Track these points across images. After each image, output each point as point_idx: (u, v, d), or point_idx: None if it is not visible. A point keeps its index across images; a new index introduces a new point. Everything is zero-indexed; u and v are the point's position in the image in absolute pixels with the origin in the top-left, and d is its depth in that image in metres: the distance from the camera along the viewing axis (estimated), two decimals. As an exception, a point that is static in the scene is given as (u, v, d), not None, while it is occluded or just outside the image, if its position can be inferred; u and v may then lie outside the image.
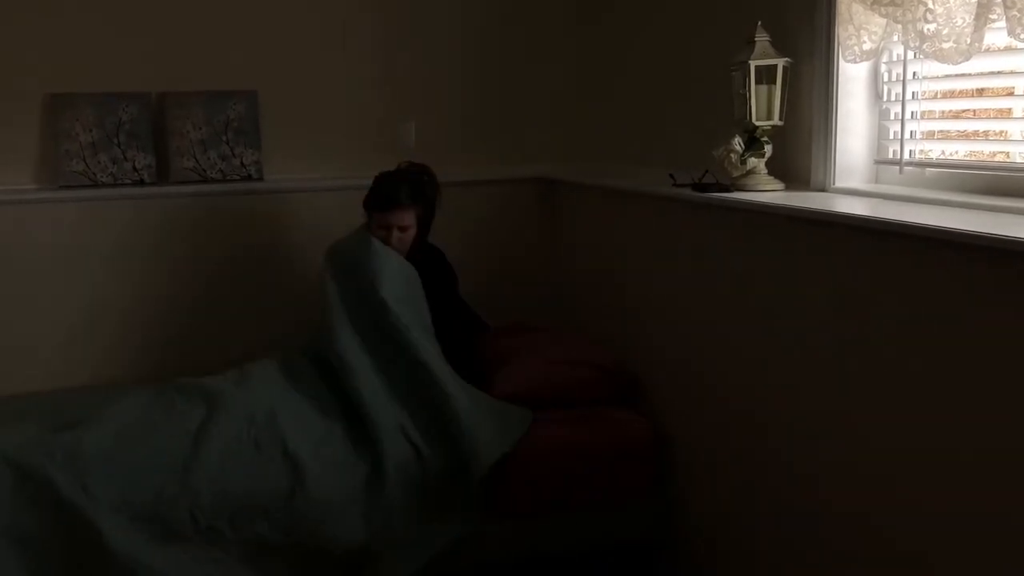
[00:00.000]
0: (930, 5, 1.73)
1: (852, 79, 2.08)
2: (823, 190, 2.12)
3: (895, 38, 1.90)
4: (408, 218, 2.68)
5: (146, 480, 2.20)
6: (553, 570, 2.69)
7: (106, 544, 2.12)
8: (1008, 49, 1.75)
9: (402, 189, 2.69)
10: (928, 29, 1.74)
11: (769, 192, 2.15)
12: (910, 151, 2.03)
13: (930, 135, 2.00)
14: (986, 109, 1.94)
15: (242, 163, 3.15)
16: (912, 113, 2.01)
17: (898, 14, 1.80)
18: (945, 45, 1.71)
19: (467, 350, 2.80)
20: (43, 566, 2.13)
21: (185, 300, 3.16)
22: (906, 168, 2.01)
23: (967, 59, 1.69)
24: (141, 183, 3.07)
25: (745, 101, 2.16)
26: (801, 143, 2.19)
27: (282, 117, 3.18)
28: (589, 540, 2.62)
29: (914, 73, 1.99)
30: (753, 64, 2.14)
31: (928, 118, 2.00)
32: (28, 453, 2.18)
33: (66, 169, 3.00)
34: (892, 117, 2.08)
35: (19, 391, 2.93)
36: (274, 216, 3.20)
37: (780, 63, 2.14)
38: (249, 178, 3.16)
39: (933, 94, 1.98)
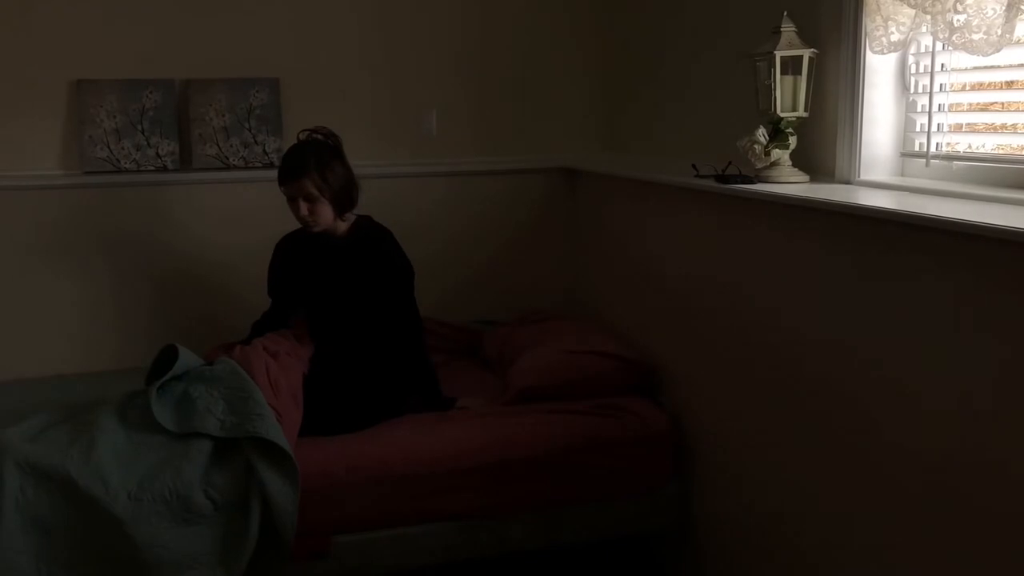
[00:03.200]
0: (960, -4, 1.70)
1: (879, 71, 2.06)
2: (848, 182, 2.10)
3: (923, 29, 1.87)
4: (307, 186, 2.55)
5: (163, 471, 2.22)
6: (570, 560, 2.70)
7: (127, 533, 2.15)
8: (1039, 41, 1.73)
9: (295, 157, 2.59)
10: (958, 20, 1.71)
11: (793, 184, 2.13)
12: (937, 144, 2.00)
13: (958, 128, 1.98)
14: (1015, 102, 1.91)
15: (264, 150, 3.16)
16: (939, 105, 1.99)
17: (927, 5, 1.78)
18: (975, 36, 1.68)
19: (415, 355, 2.72)
20: (71, 556, 2.17)
21: (207, 286, 3.18)
22: (932, 161, 1.99)
23: (997, 51, 1.66)
24: (164, 169, 3.09)
25: (770, 92, 2.14)
26: (826, 135, 2.17)
27: (304, 104, 3.19)
28: (606, 530, 2.61)
29: (942, 65, 1.96)
30: (779, 55, 2.11)
31: (956, 110, 1.97)
32: (45, 452, 2.21)
33: (90, 155, 3.02)
34: (919, 109, 2.05)
35: (40, 374, 2.98)
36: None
37: (806, 54, 2.12)
38: (271, 165, 3.17)
39: (961, 86, 1.95)
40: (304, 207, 2.59)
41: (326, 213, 2.61)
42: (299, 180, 2.57)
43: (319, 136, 2.66)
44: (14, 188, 2.98)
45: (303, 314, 2.80)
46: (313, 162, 2.57)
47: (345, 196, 2.64)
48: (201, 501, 2.20)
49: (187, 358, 2.47)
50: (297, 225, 2.69)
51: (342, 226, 2.69)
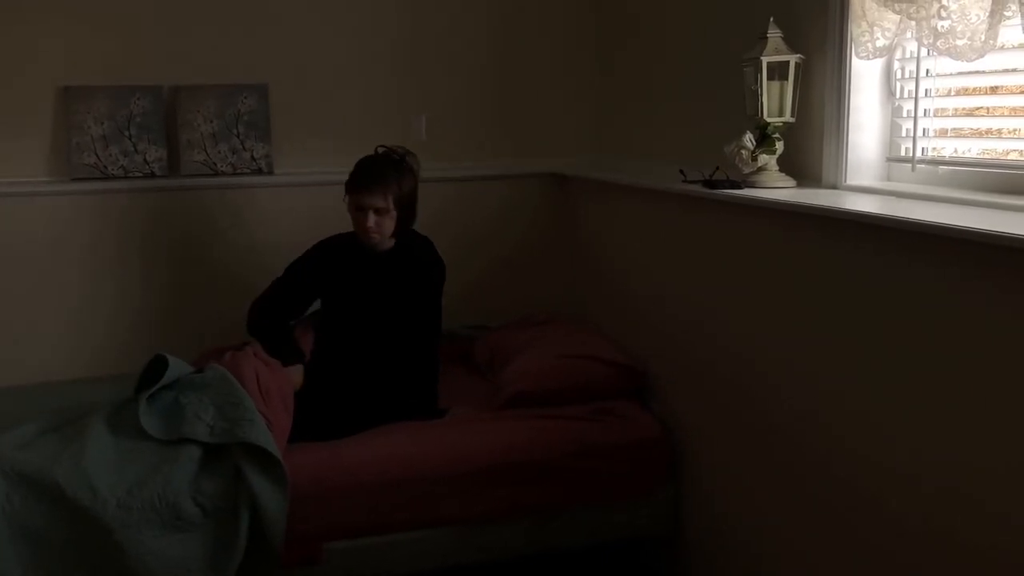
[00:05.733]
0: (944, 2, 1.71)
1: (865, 76, 2.07)
2: (835, 187, 2.11)
3: (908, 35, 1.89)
4: (382, 199, 2.61)
5: (153, 478, 2.21)
6: (562, 565, 2.70)
7: (116, 540, 2.14)
8: (1023, 46, 1.74)
9: (376, 170, 2.64)
10: (942, 26, 1.73)
11: (780, 189, 2.14)
12: (923, 148, 2.02)
13: (943, 133, 1.99)
14: (1000, 107, 1.92)
15: (252, 156, 3.16)
16: (925, 110, 2.00)
17: (912, 10, 1.79)
18: (959, 42, 1.70)
19: (431, 355, 2.77)
20: (60, 565, 2.16)
21: (194, 293, 3.17)
22: (919, 166, 2.00)
23: (981, 56, 1.67)
24: (152, 176, 3.08)
25: (757, 97, 2.15)
26: (813, 140, 2.18)
27: (293, 111, 3.19)
28: (598, 535, 2.62)
29: (927, 70, 1.98)
30: (765, 60, 2.12)
31: (941, 115, 1.99)
32: (33, 460, 2.21)
33: (77, 161, 3.01)
34: (905, 114, 2.07)
35: (27, 381, 2.96)
36: (284, 210, 3.21)
37: (792, 59, 2.13)
38: (259, 171, 3.16)
39: (946, 91, 1.97)
40: (373, 219, 2.62)
41: (390, 227, 2.66)
42: (377, 193, 2.61)
43: (396, 155, 2.71)
44: (0, 195, 2.97)
45: (317, 316, 2.81)
46: (394, 177, 2.63)
47: (410, 215, 2.71)
48: (190, 508, 2.20)
49: (177, 367, 2.46)
50: (339, 231, 2.75)
51: (391, 239, 2.73)
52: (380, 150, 2.72)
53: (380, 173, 2.63)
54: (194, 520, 2.20)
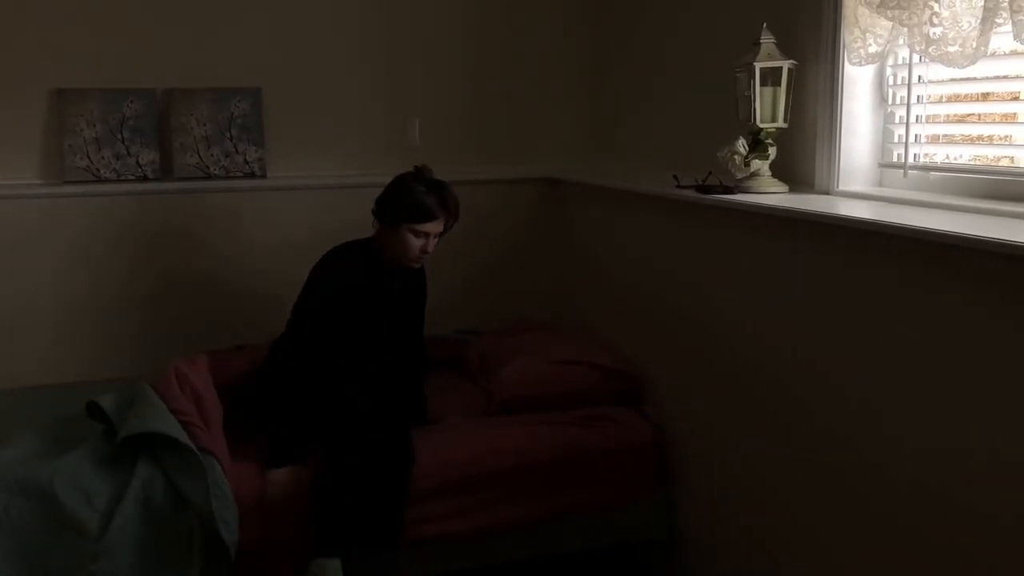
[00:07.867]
0: (936, 9, 1.72)
1: (857, 82, 2.08)
2: (827, 193, 2.11)
3: (901, 41, 1.90)
4: (444, 225, 2.60)
5: (136, 486, 2.20)
6: (555, 571, 2.69)
7: (106, 547, 2.13)
8: (1014, 53, 1.75)
9: (441, 197, 2.58)
10: (934, 33, 1.73)
11: (773, 194, 2.14)
12: (915, 155, 2.02)
13: (935, 139, 2.00)
14: (991, 113, 1.93)
15: (245, 160, 3.15)
16: (917, 117, 2.00)
17: (904, 17, 1.79)
18: (951, 49, 1.71)
19: (419, 369, 2.79)
20: None
21: (187, 296, 3.17)
22: (910, 172, 2.00)
23: (973, 63, 1.68)
24: (144, 179, 3.07)
25: (750, 103, 2.16)
26: (806, 145, 2.18)
27: (286, 114, 3.19)
28: (594, 540, 2.62)
29: (919, 76, 1.98)
30: (758, 66, 2.13)
31: (933, 122, 1.99)
32: (34, 471, 2.20)
33: (70, 164, 3.00)
34: (897, 120, 2.07)
35: (18, 385, 2.94)
36: (277, 213, 3.21)
37: (785, 65, 2.14)
38: (252, 175, 3.16)
39: (938, 98, 1.97)
40: (431, 243, 2.58)
41: None
42: (443, 219, 2.57)
43: (433, 176, 2.64)
44: (-7, 197, 2.96)
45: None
46: (449, 202, 2.57)
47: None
48: (167, 509, 2.19)
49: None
50: (345, 231, 2.71)
51: None
52: (422, 168, 2.64)
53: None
54: (172, 519, 2.19)
